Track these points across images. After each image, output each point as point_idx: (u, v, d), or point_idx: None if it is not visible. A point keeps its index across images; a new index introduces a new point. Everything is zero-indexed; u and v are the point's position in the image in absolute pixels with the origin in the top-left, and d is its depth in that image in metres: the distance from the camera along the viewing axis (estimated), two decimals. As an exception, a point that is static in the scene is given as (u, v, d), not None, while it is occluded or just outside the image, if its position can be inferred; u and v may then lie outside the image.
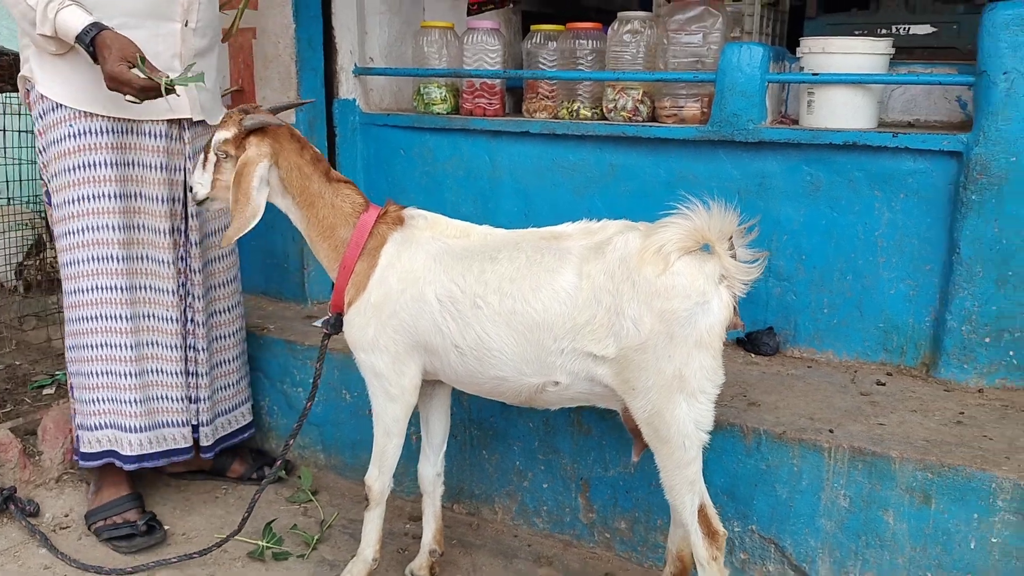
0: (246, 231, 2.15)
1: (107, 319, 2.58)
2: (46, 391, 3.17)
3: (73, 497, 2.86)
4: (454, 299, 2.07)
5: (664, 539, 2.48)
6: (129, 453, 2.67)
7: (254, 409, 3.06)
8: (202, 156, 2.22)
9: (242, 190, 2.12)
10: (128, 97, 2.27)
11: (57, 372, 3.24)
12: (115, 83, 2.24)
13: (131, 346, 2.61)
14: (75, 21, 2.24)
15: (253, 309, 3.37)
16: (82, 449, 2.69)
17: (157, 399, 2.71)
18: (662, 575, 2.35)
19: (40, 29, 2.26)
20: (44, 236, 4.03)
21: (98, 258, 2.52)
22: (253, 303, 3.44)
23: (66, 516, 2.79)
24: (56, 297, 3.75)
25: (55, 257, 2.95)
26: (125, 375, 2.63)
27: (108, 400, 2.65)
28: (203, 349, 2.73)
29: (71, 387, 2.72)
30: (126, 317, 2.59)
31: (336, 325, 2.34)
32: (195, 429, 2.79)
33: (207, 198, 2.25)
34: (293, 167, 2.19)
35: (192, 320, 2.71)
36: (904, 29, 3.20)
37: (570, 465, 2.63)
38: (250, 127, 2.16)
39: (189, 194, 2.25)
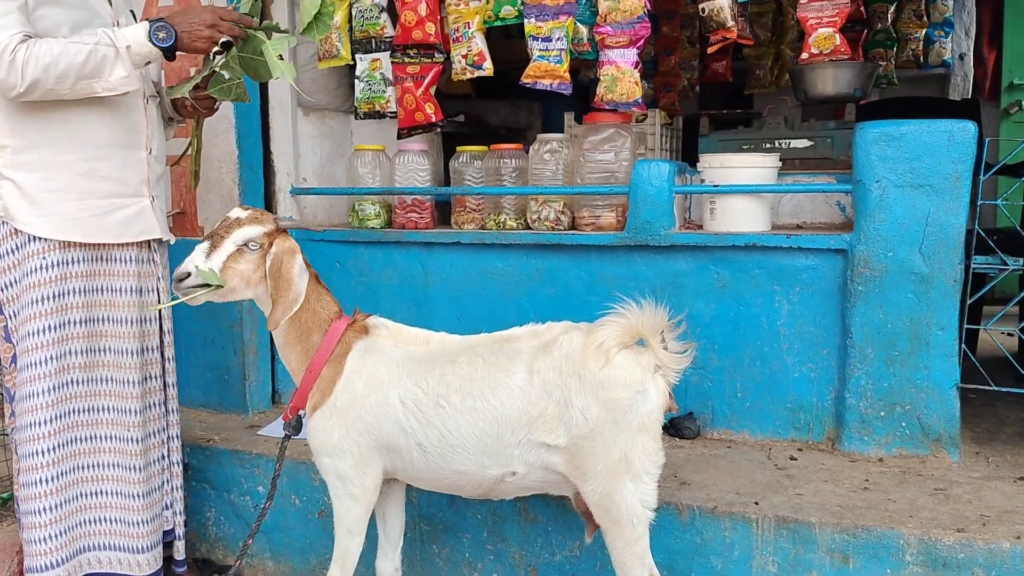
0: (291, 313, 2.30)
1: (62, 447, 2.54)
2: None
3: (22, 619, 2.84)
4: (417, 401, 2.25)
5: (611, 616, 2.66)
6: None
7: (200, 520, 3.12)
8: (207, 245, 2.28)
9: (284, 278, 2.28)
10: (217, 47, 2.42)
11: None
12: (218, 21, 2.39)
13: (63, 473, 2.55)
14: (135, 31, 2.37)
15: (195, 422, 3.45)
16: None
17: (109, 521, 2.65)
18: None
19: (117, 73, 2.34)
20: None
21: (61, 385, 2.51)
22: (194, 416, 3.52)
23: (16, 639, 2.78)
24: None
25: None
26: (56, 505, 2.54)
27: (57, 536, 2.54)
28: (178, 463, 2.79)
29: (20, 526, 2.59)
30: (63, 443, 2.53)
31: (296, 426, 2.48)
32: (169, 546, 2.80)
33: (217, 286, 2.27)
34: None
35: (168, 435, 2.76)
36: (785, 143, 3.64)
37: (519, 553, 2.79)
38: (284, 226, 2.36)
39: (177, 283, 2.27)
